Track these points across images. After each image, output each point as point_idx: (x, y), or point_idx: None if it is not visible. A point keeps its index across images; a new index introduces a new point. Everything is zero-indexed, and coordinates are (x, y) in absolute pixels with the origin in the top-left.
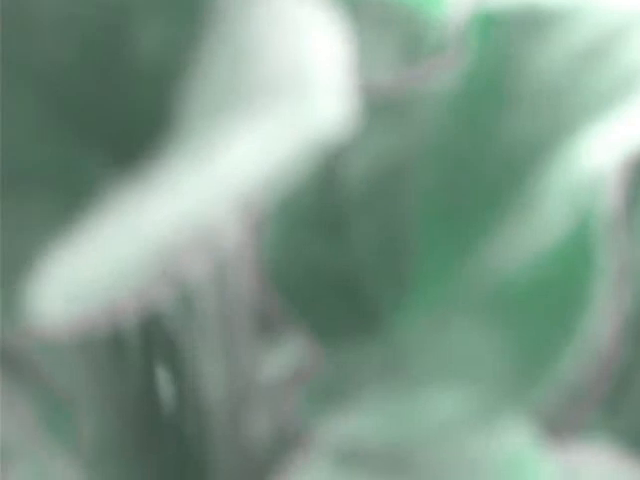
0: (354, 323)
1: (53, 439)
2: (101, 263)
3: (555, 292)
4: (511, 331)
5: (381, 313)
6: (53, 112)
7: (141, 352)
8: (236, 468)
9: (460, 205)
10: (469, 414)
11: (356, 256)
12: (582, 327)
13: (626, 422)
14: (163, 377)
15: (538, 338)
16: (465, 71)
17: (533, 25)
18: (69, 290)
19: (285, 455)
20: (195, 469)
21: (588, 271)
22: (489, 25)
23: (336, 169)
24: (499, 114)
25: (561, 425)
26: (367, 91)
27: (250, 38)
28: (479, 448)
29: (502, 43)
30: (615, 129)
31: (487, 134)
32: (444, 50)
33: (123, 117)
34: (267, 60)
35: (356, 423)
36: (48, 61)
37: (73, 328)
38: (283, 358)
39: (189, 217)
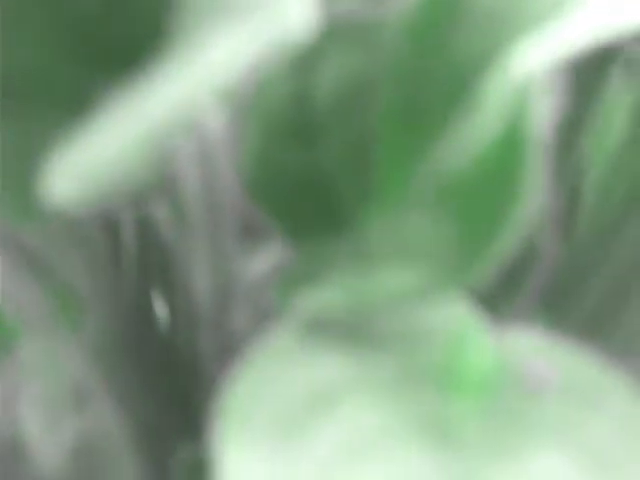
0: (325, 225)
1: (61, 323)
2: (108, 147)
3: (490, 187)
4: (454, 220)
5: (349, 216)
6: (55, 31)
7: (137, 258)
8: (222, 359)
9: (417, 117)
10: (415, 289)
11: (327, 164)
12: (513, 217)
13: (573, 329)
14: (156, 287)
15: (476, 225)
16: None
17: None
18: (80, 171)
19: (262, 332)
20: (184, 372)
21: (518, 169)
22: None
23: (307, 84)
24: (450, 35)
25: (500, 308)
26: (331, 17)
27: None
28: (424, 319)
29: None
30: (546, 41)
31: (441, 53)
32: None
33: (121, 33)
34: None
35: (322, 299)
36: None
37: (89, 206)
38: (264, 261)
39: (178, 106)
